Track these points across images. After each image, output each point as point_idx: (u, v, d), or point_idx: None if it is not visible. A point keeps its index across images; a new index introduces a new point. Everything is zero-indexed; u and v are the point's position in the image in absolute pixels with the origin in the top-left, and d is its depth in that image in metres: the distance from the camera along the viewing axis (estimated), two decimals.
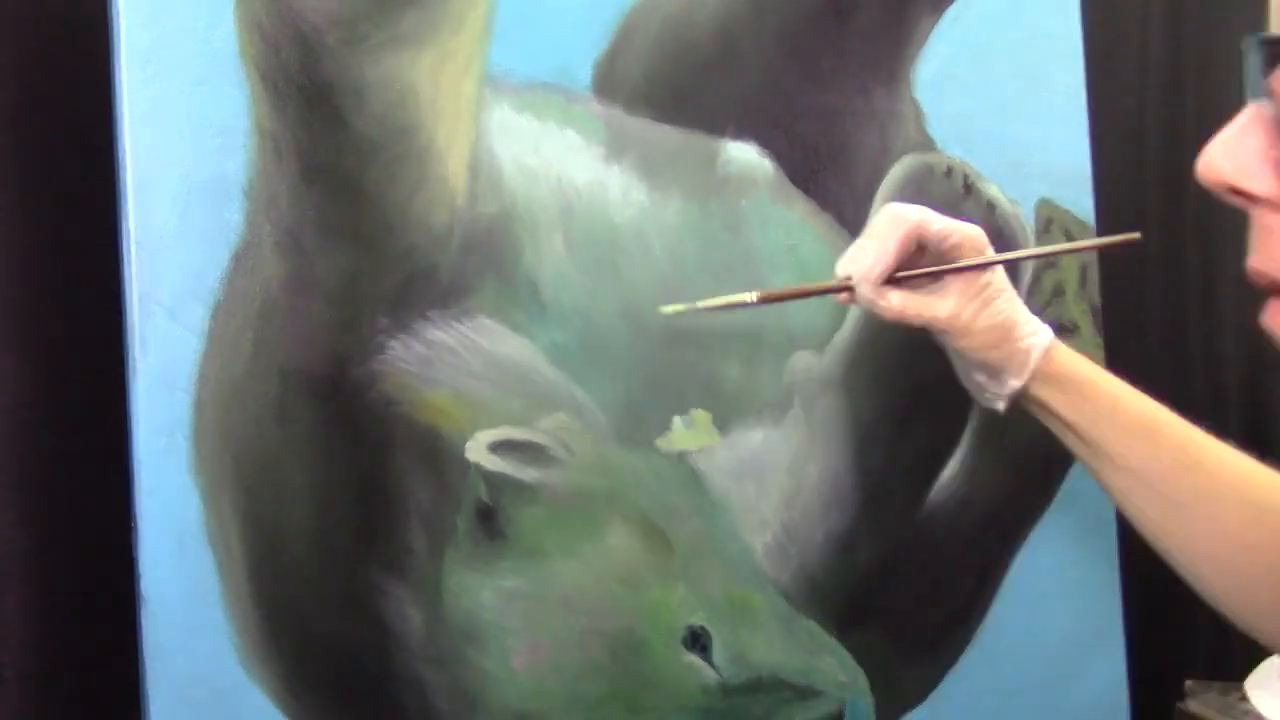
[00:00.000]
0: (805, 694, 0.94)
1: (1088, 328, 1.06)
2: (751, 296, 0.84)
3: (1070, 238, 1.06)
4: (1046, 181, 1.05)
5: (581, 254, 0.91)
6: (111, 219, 0.81)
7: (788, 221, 0.96)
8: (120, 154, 0.81)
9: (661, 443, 0.93)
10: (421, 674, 0.87)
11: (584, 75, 0.92)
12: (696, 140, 0.94)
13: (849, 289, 0.84)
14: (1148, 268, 1.30)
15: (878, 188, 0.99)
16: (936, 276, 0.83)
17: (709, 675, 0.91)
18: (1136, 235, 0.86)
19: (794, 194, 0.97)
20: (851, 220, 0.99)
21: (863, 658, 0.97)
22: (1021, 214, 1.03)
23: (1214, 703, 1.06)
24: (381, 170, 0.85)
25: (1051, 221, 1.05)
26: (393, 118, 0.85)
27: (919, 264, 0.83)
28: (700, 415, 0.94)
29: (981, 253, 0.84)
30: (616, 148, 0.93)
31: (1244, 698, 1.00)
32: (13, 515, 0.85)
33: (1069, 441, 0.85)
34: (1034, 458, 1.05)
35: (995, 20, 1.03)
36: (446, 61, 0.86)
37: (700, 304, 0.84)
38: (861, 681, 0.96)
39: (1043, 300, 1.05)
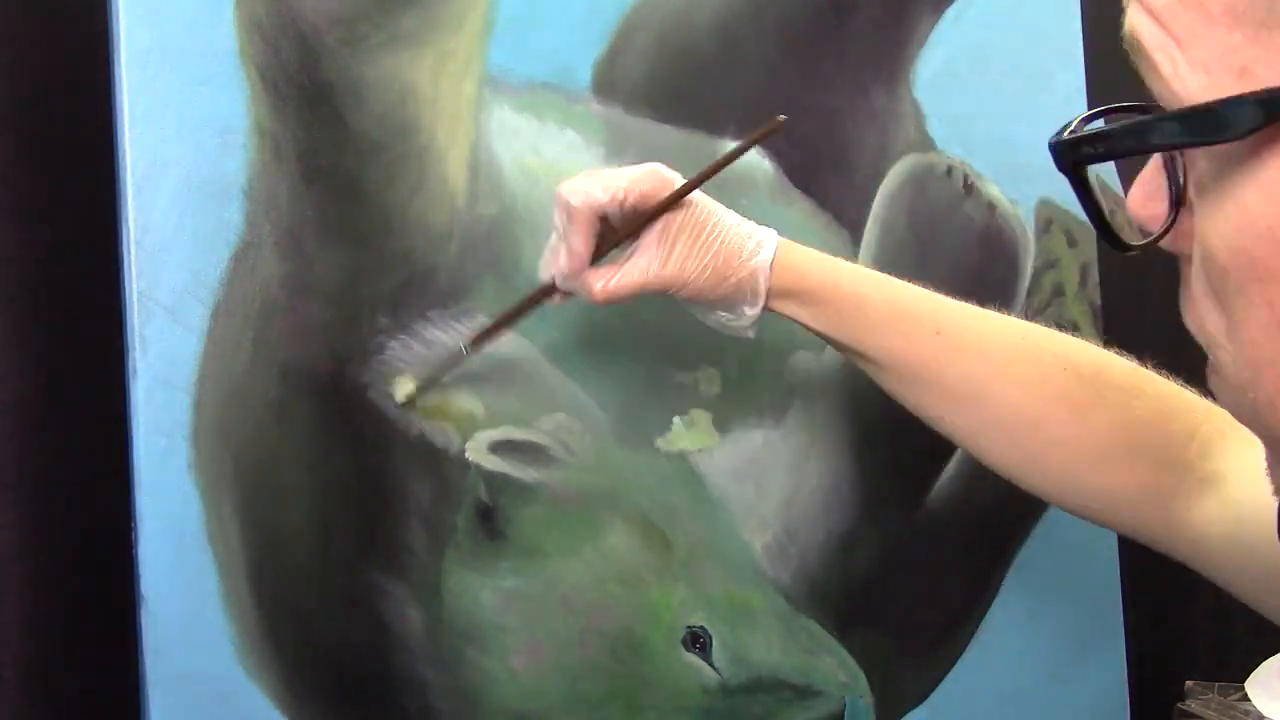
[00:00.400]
0: (805, 694, 0.94)
1: (1088, 328, 1.06)
2: (464, 347, 0.84)
3: (1070, 238, 1.06)
4: (1046, 181, 1.05)
5: None
6: (111, 219, 0.81)
7: (788, 221, 0.96)
8: (120, 154, 0.81)
9: (661, 443, 0.93)
10: (421, 674, 0.87)
11: (584, 75, 0.92)
12: (696, 140, 0.94)
13: (555, 290, 0.81)
14: (1148, 268, 1.30)
15: (878, 187, 0.99)
16: (633, 239, 0.79)
17: (709, 675, 0.91)
18: (781, 119, 0.80)
19: (794, 194, 0.97)
20: (851, 220, 0.99)
21: (863, 658, 0.97)
22: (1021, 214, 1.03)
23: (1214, 703, 1.06)
24: (381, 170, 0.85)
25: (1051, 221, 1.05)
26: (393, 118, 0.85)
27: (612, 236, 0.80)
28: (700, 415, 0.94)
29: (663, 190, 0.79)
30: (616, 148, 0.93)
31: (1244, 698, 1.00)
32: (12, 515, 0.85)
33: (842, 353, 0.82)
34: None
35: (995, 20, 1.03)
36: (446, 61, 0.86)
37: (422, 375, 0.84)
38: (861, 681, 0.96)
39: (1042, 300, 1.05)
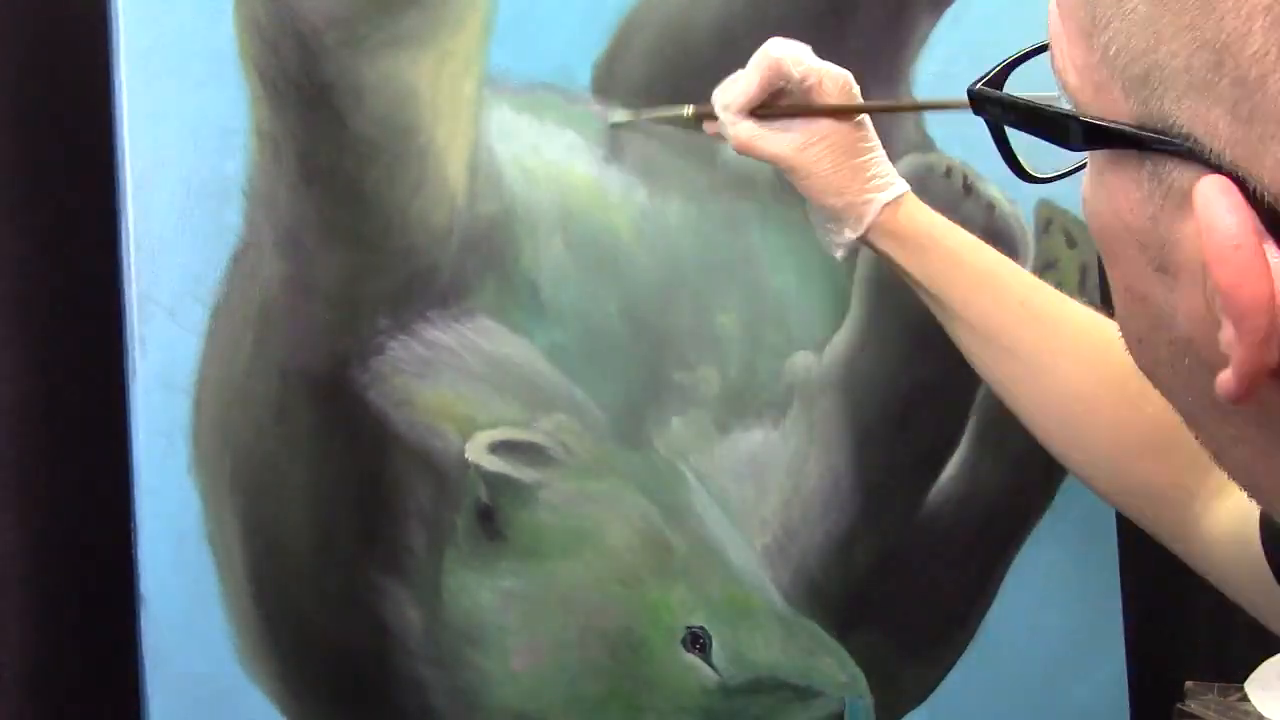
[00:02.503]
0: (805, 694, 0.94)
1: None
2: (687, 111, 0.90)
3: (1070, 238, 1.06)
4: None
5: (581, 254, 0.91)
6: (111, 219, 0.81)
7: (788, 221, 0.96)
8: (120, 154, 0.81)
9: (661, 443, 0.93)
10: (421, 674, 0.87)
11: (584, 75, 0.92)
12: (696, 140, 0.94)
13: (711, 118, 0.87)
14: None
15: None
16: (793, 116, 0.85)
17: (708, 676, 0.91)
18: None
19: (794, 194, 0.97)
20: None
21: (863, 658, 0.97)
22: (1021, 214, 1.03)
23: (1214, 703, 1.06)
24: (381, 171, 0.85)
25: (1051, 222, 1.05)
26: (392, 118, 0.85)
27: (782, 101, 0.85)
28: (700, 415, 0.94)
29: (847, 99, 0.85)
30: (616, 148, 0.93)
31: (1244, 698, 1.00)
32: (12, 515, 0.85)
33: (918, 294, 0.87)
34: (1034, 458, 1.05)
35: (995, 20, 1.03)
36: (446, 62, 0.86)
37: (644, 114, 0.92)
38: (861, 682, 0.96)
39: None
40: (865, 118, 0.86)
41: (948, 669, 1.02)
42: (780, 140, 0.85)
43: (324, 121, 0.84)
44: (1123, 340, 0.45)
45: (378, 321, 0.86)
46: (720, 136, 0.88)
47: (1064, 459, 0.85)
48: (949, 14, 1.02)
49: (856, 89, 0.86)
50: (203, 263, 0.82)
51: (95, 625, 0.89)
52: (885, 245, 0.86)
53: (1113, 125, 0.40)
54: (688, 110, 0.90)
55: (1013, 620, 1.04)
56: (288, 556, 0.84)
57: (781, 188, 0.95)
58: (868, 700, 0.96)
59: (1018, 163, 0.52)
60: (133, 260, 0.80)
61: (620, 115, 0.92)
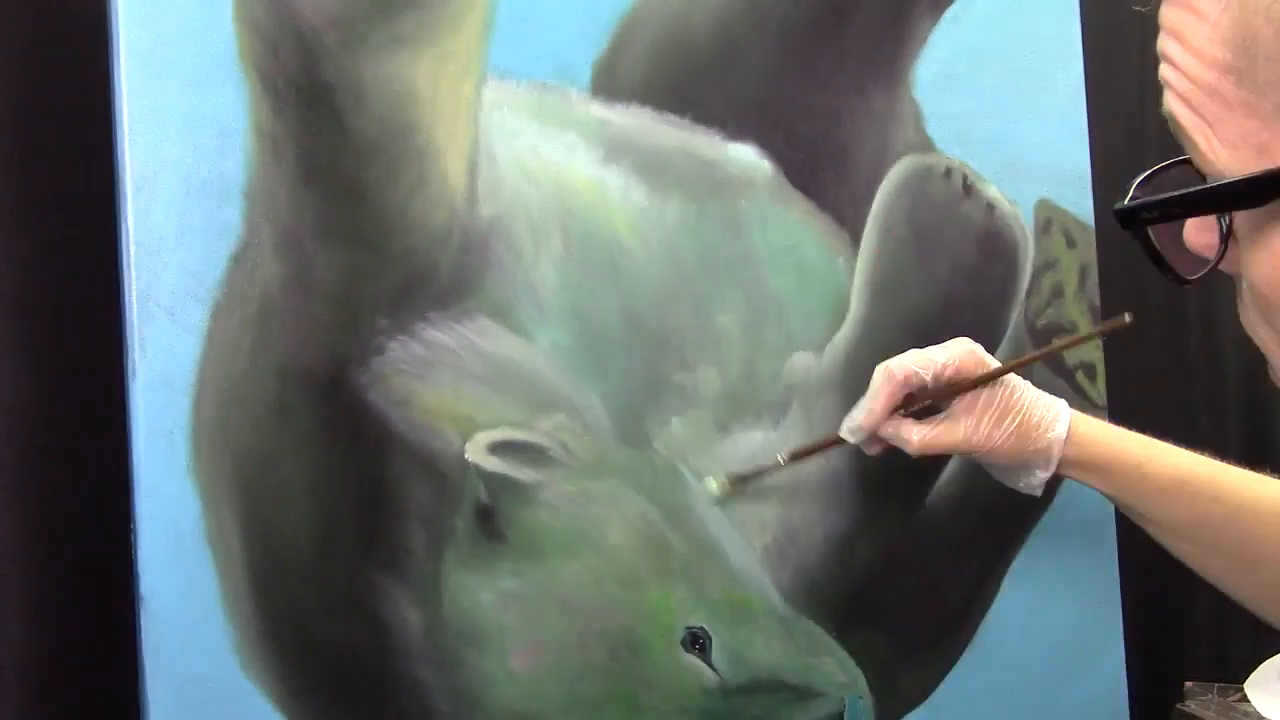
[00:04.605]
0: (805, 694, 0.94)
1: (1087, 328, 1.06)
2: (781, 458, 0.93)
3: (1069, 238, 1.06)
4: (1046, 182, 1.05)
5: (581, 255, 0.91)
6: (111, 219, 0.81)
7: (787, 222, 0.96)
8: (120, 154, 0.81)
9: (661, 443, 0.93)
10: (420, 675, 0.87)
11: (584, 76, 0.92)
12: (696, 141, 0.94)
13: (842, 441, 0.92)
14: (1147, 268, 1.30)
15: (877, 188, 0.99)
16: (947, 402, 0.89)
17: (708, 676, 0.91)
18: (1126, 317, 0.90)
19: (793, 194, 0.97)
20: (851, 220, 0.99)
21: (862, 658, 0.97)
22: (1021, 214, 1.03)
23: (1213, 704, 1.06)
24: (381, 171, 0.85)
25: (1051, 222, 1.05)
26: (392, 118, 0.85)
27: (924, 397, 0.89)
28: (699, 416, 0.94)
29: (978, 368, 0.89)
30: (616, 148, 0.93)
31: (1243, 698, 1.00)
32: (12, 515, 0.85)
33: (1116, 505, 0.90)
34: None
35: (995, 21, 1.03)
36: (446, 62, 0.86)
37: (734, 472, 0.94)
38: (861, 682, 0.96)
39: (1042, 301, 1.05)
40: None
41: (948, 669, 1.02)
42: (952, 432, 0.88)
43: (324, 121, 0.84)
44: (1274, 373, 0.50)
45: (377, 321, 0.86)
46: (875, 448, 0.92)
47: None
48: (949, 14, 1.02)
49: (980, 349, 0.90)
50: (203, 263, 0.82)
51: (95, 625, 0.89)
52: (1072, 473, 0.90)
53: None
54: (782, 457, 0.93)
55: (1013, 620, 1.03)
56: (288, 556, 0.84)
57: (781, 188, 0.95)
58: (868, 700, 0.96)
59: (1174, 270, 0.54)
60: (133, 260, 0.80)
61: (715, 484, 0.94)
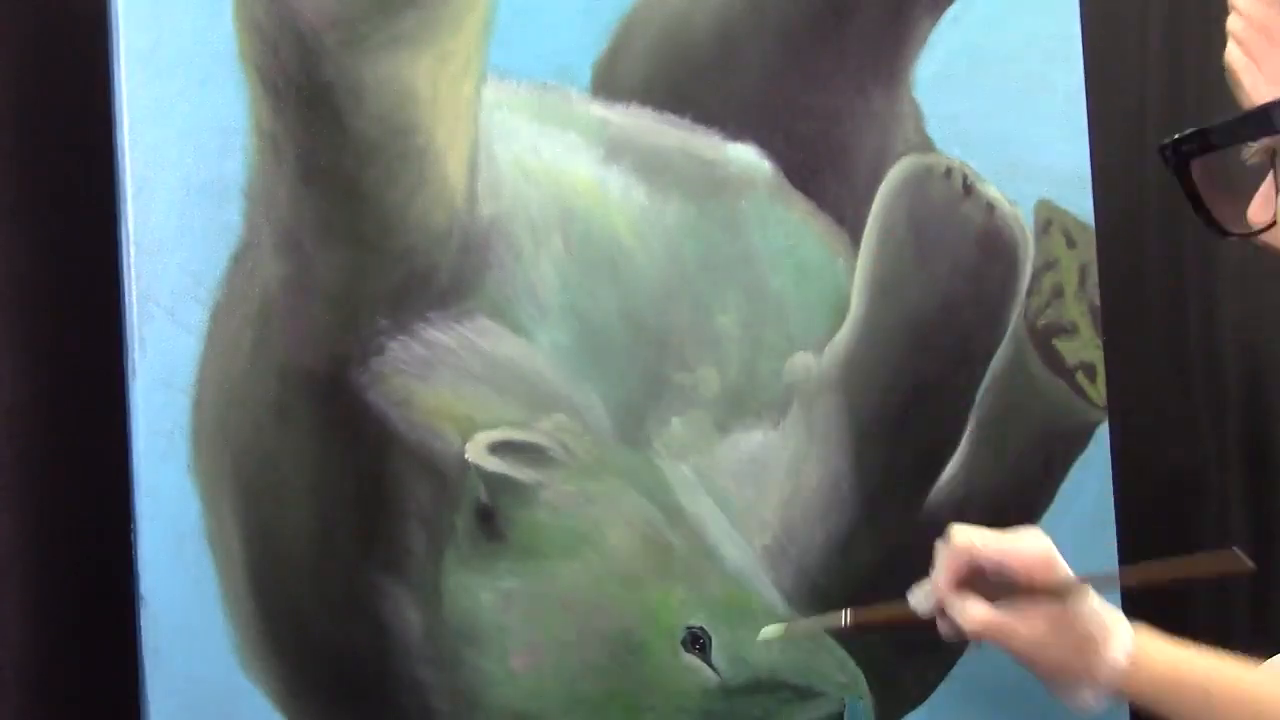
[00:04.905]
0: (805, 694, 0.94)
1: (1087, 328, 1.06)
2: (846, 618, 0.87)
3: (1069, 238, 1.06)
4: (1046, 182, 1.05)
5: (581, 255, 0.91)
6: (111, 220, 0.81)
7: (787, 222, 0.96)
8: (120, 154, 0.81)
9: (661, 443, 0.93)
10: (420, 675, 0.87)
11: (584, 76, 0.92)
12: (696, 141, 0.94)
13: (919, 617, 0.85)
14: (1147, 267, 1.30)
15: (877, 188, 0.99)
16: (1013, 592, 0.82)
17: (708, 676, 0.91)
18: (1250, 566, 0.81)
19: (793, 194, 0.97)
20: (851, 221, 0.99)
21: (862, 658, 0.97)
22: (1021, 214, 1.03)
23: None
24: (381, 171, 0.85)
25: (1051, 222, 1.05)
26: (392, 118, 0.85)
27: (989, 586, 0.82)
28: (699, 416, 0.94)
29: (1048, 571, 0.82)
30: (616, 148, 0.93)
31: None
32: (12, 515, 0.85)
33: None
34: (1034, 458, 1.05)
35: (995, 21, 1.03)
36: (446, 62, 0.86)
37: (795, 627, 0.91)
38: (861, 682, 0.96)
39: (1042, 301, 1.05)
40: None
41: (947, 669, 1.02)
42: (1012, 629, 0.81)
43: (324, 121, 0.84)
44: None
45: (378, 321, 0.86)
46: (946, 628, 0.85)
47: None
48: (949, 14, 1.02)
49: (1055, 553, 0.82)
50: (203, 263, 0.82)
51: (95, 625, 0.89)
52: (1137, 697, 0.84)
53: None
54: (846, 618, 0.87)
55: None
56: (288, 556, 0.84)
57: (781, 188, 0.95)
58: (868, 700, 0.96)
59: (1212, 217, 0.56)
60: (133, 260, 0.80)
61: (772, 631, 0.91)
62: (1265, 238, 0.55)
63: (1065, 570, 0.82)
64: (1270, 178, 0.53)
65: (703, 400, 0.94)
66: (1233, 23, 0.50)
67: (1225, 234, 0.56)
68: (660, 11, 0.94)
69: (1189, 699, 0.82)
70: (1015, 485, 1.04)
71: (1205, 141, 0.52)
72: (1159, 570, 0.85)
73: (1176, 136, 0.53)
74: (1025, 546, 0.82)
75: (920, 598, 0.84)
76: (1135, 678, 0.82)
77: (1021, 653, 0.82)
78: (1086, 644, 0.81)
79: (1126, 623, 0.83)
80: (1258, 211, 0.53)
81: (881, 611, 0.88)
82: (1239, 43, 0.49)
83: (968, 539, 0.82)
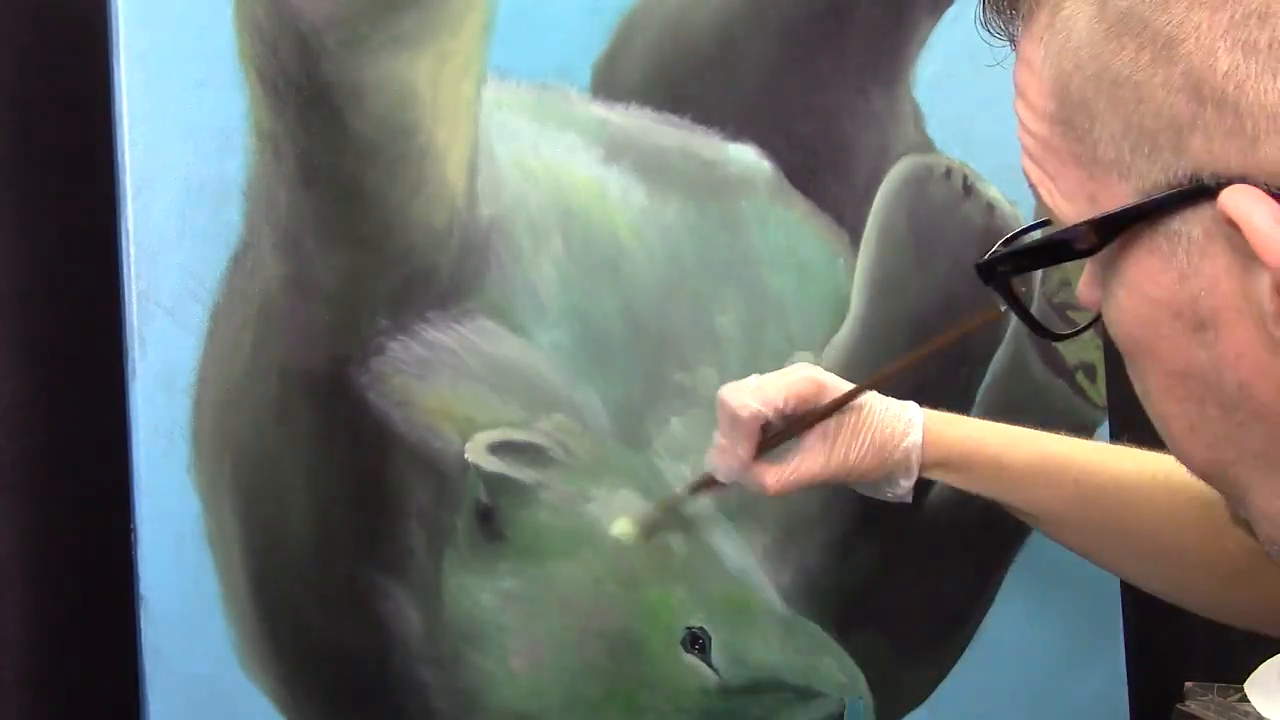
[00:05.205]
0: (804, 695, 0.94)
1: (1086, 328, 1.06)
2: (683, 490, 0.91)
3: None
4: None
5: (581, 255, 0.91)
6: (111, 219, 0.81)
7: (787, 222, 0.96)
8: (120, 154, 0.81)
9: (661, 443, 0.93)
10: (421, 675, 0.87)
11: (583, 76, 0.92)
12: (696, 141, 0.94)
13: (719, 483, 0.88)
14: None
15: (877, 188, 0.99)
16: (799, 436, 0.86)
17: (708, 676, 0.91)
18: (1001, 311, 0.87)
19: (793, 195, 0.97)
20: (851, 221, 0.99)
21: (862, 658, 0.97)
22: (1021, 215, 1.03)
23: (1213, 704, 1.06)
24: (381, 171, 0.85)
25: (1050, 223, 1.04)
26: (392, 119, 0.85)
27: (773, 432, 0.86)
28: (699, 416, 0.94)
29: (819, 394, 0.86)
30: (616, 148, 0.93)
31: (1243, 698, 1.00)
32: (12, 515, 0.85)
33: (986, 499, 0.88)
34: None
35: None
36: (446, 62, 0.86)
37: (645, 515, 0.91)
38: (861, 682, 0.96)
39: (1050, 289, 1.04)
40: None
41: (947, 669, 1.02)
42: (806, 465, 0.86)
43: (324, 121, 0.84)
44: (1174, 452, 0.48)
45: (378, 322, 0.86)
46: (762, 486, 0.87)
47: (1178, 602, 0.86)
48: (949, 14, 1.02)
49: (820, 373, 0.86)
50: (203, 263, 0.82)
51: (95, 625, 0.89)
52: (936, 475, 0.88)
53: (1122, 210, 0.43)
54: (683, 490, 0.91)
55: (1013, 620, 1.03)
56: (288, 556, 0.84)
57: (781, 189, 0.95)
58: (868, 700, 0.96)
59: (1039, 324, 0.56)
60: (133, 260, 0.80)
61: (622, 525, 0.91)
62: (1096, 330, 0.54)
63: (835, 383, 0.86)
64: (1091, 268, 0.52)
65: (703, 400, 0.94)
66: (1022, 137, 0.50)
67: (1054, 337, 0.57)
68: (660, 11, 0.94)
69: (984, 471, 0.86)
70: None
71: (1017, 264, 0.52)
72: (924, 348, 0.91)
73: (988, 258, 0.52)
74: (789, 379, 0.86)
75: (723, 470, 0.87)
76: (934, 456, 0.87)
77: (829, 479, 0.87)
78: (883, 441, 0.86)
79: (915, 407, 0.88)
80: (1084, 293, 0.52)
81: (693, 485, 0.91)
82: (1029, 156, 0.49)
83: (746, 405, 0.84)
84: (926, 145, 1.01)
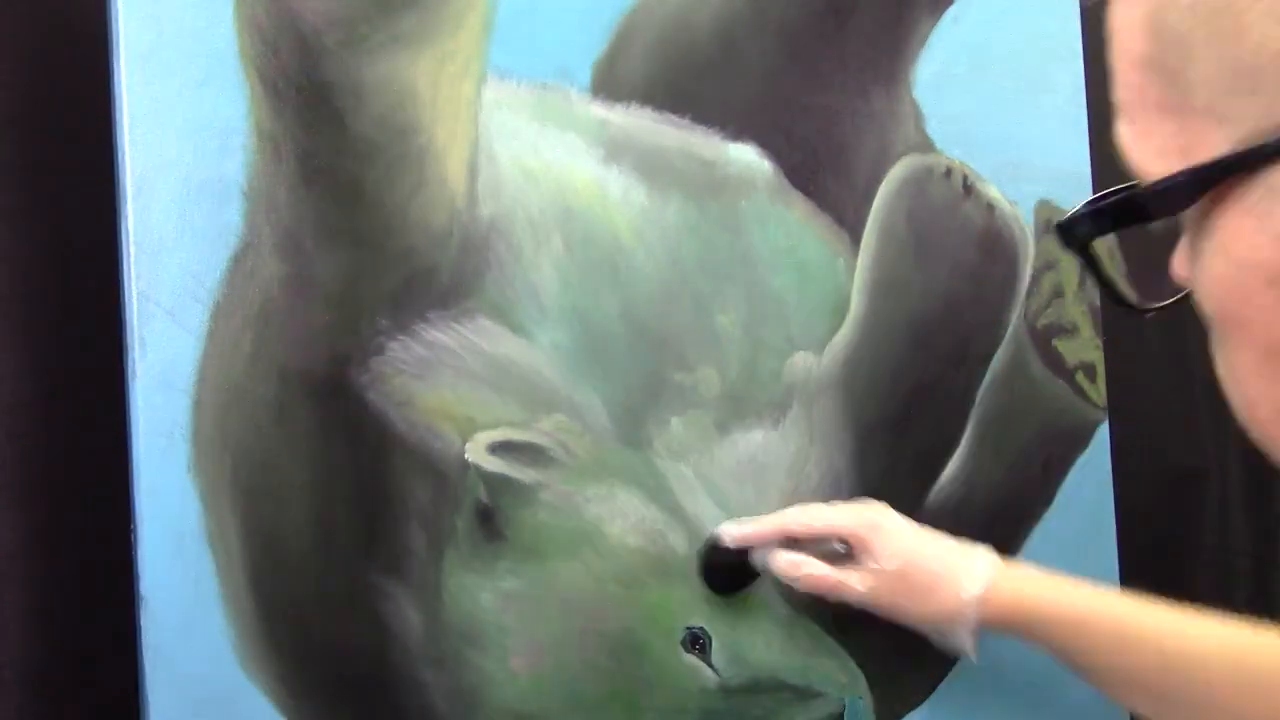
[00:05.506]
0: (805, 695, 0.94)
1: (1087, 328, 1.06)
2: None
3: None
4: (1046, 182, 1.05)
5: (581, 255, 0.91)
6: (111, 220, 0.81)
7: (787, 222, 0.96)
8: (120, 154, 0.81)
9: (661, 443, 0.93)
10: (421, 675, 0.87)
11: (583, 76, 0.92)
12: (696, 141, 0.94)
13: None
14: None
15: (877, 188, 0.99)
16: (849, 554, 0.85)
17: (708, 676, 0.91)
18: None
19: (793, 195, 0.97)
20: (851, 221, 0.99)
21: (863, 658, 0.97)
22: (1021, 215, 1.03)
23: None
24: (381, 171, 0.85)
25: (1051, 222, 1.05)
26: (392, 119, 0.85)
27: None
28: (699, 416, 0.94)
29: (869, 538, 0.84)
30: (616, 148, 0.93)
31: None
32: (12, 515, 0.85)
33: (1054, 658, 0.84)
34: (1034, 458, 1.05)
35: (995, 21, 1.03)
36: (446, 62, 0.86)
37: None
38: (861, 682, 0.96)
39: (1042, 301, 1.05)
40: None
41: (947, 669, 1.02)
42: (852, 581, 0.85)
43: (324, 121, 0.84)
44: (1259, 440, 0.44)
45: (378, 322, 0.86)
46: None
47: None
48: (949, 14, 1.02)
49: (891, 519, 0.85)
50: (203, 263, 0.82)
51: (95, 625, 0.89)
52: (1003, 630, 0.83)
53: (1214, 160, 0.40)
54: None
55: None
56: (288, 556, 0.84)
57: (781, 188, 0.95)
58: (868, 700, 0.96)
59: (1118, 293, 0.51)
60: (133, 260, 0.80)
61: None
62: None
63: (890, 530, 0.85)
64: (1185, 236, 0.48)
65: (703, 400, 0.94)
66: (1118, 94, 0.46)
67: (1141, 311, 0.52)
68: (660, 11, 0.94)
69: (1061, 630, 0.81)
70: (1015, 485, 1.04)
71: (1099, 224, 0.48)
72: None
73: (1069, 217, 0.49)
74: (854, 519, 0.86)
75: (732, 535, 0.89)
76: (998, 610, 0.82)
77: (864, 604, 0.85)
78: (937, 583, 0.82)
79: (989, 556, 0.84)
80: (1178, 266, 0.49)
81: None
82: (1124, 114, 0.45)
83: (790, 522, 0.85)
84: (926, 145, 1.01)
